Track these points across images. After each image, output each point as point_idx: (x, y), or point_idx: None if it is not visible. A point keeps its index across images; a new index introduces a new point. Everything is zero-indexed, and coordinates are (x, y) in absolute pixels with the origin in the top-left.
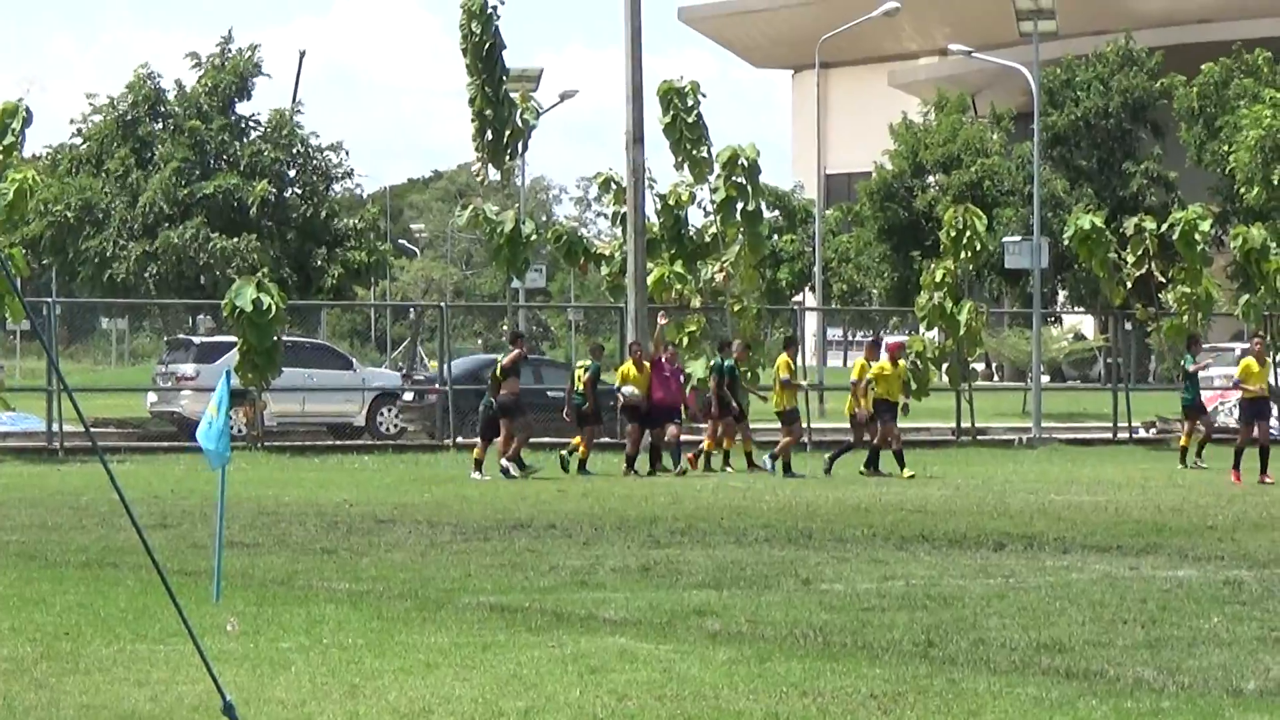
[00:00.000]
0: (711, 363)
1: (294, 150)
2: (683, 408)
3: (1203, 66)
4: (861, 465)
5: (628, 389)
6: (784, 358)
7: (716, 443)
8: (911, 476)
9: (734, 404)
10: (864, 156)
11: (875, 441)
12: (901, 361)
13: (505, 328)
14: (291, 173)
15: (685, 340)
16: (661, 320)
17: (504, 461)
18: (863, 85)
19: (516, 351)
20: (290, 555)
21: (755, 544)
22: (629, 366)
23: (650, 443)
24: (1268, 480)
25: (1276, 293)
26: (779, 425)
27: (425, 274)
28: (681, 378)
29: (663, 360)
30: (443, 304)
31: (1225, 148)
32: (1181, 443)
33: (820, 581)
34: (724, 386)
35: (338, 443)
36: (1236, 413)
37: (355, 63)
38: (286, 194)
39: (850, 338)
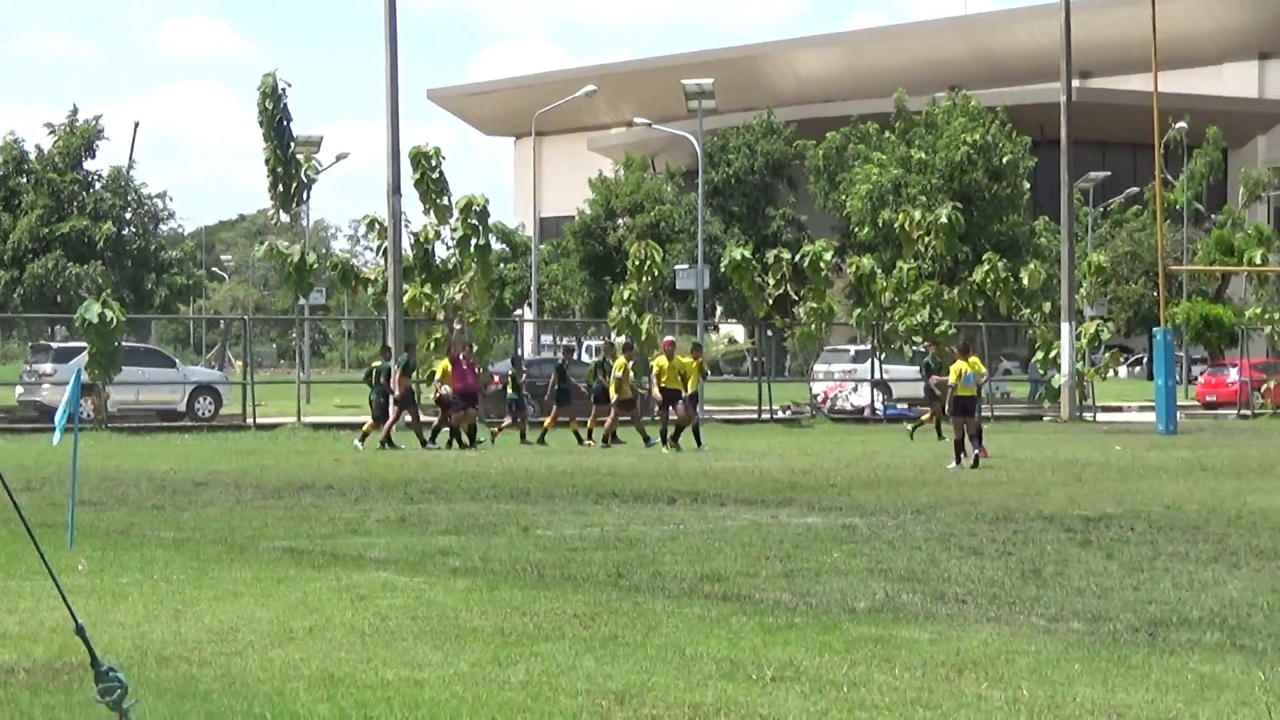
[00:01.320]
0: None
1: (129, 198)
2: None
3: (827, 134)
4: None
5: (445, 388)
6: (621, 359)
7: (598, 423)
8: (677, 450)
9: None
10: (570, 203)
11: (677, 420)
12: (677, 356)
13: (295, 335)
14: (128, 215)
15: (432, 345)
16: (456, 326)
17: (387, 436)
18: (568, 149)
19: (408, 357)
20: (128, 511)
21: (486, 500)
22: (446, 364)
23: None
24: (985, 455)
25: (881, 307)
26: (615, 410)
27: (232, 294)
28: (477, 371)
29: (460, 358)
30: (246, 317)
31: (843, 197)
32: (925, 419)
33: (535, 528)
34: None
35: (164, 424)
36: (857, 397)
37: (177, 130)
38: (124, 232)
39: (557, 341)
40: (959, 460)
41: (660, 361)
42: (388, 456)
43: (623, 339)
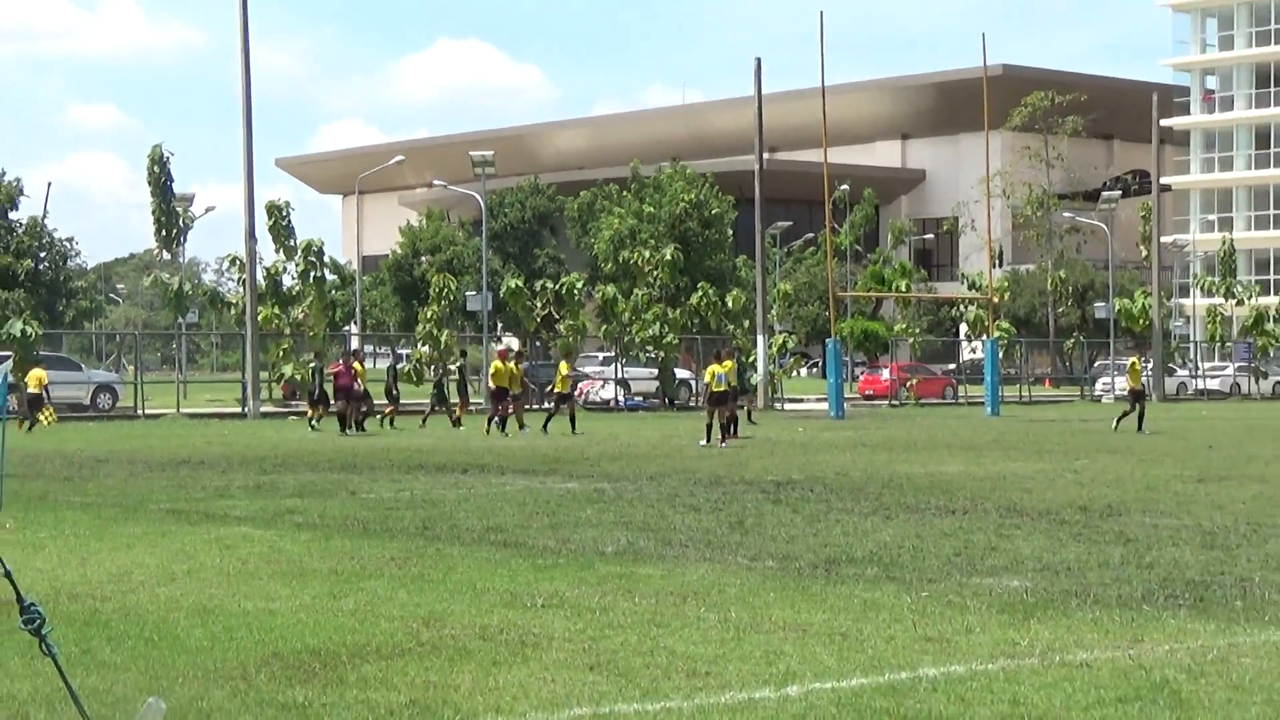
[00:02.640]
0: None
1: (44, 240)
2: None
3: (580, 193)
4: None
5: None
6: (564, 363)
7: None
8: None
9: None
10: (385, 245)
11: (511, 411)
12: (510, 362)
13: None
14: (43, 254)
15: (281, 353)
16: (355, 346)
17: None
18: (384, 204)
19: (342, 362)
20: (44, 482)
21: (323, 471)
22: (497, 364)
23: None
24: (735, 440)
25: (622, 324)
26: (555, 401)
27: (125, 314)
28: (352, 372)
29: (339, 362)
30: (136, 332)
31: (592, 240)
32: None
33: (361, 493)
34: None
35: (72, 415)
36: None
37: (81, 187)
38: (40, 267)
39: (375, 349)
40: (709, 439)
41: (496, 365)
42: (257, 437)
43: (506, 344)
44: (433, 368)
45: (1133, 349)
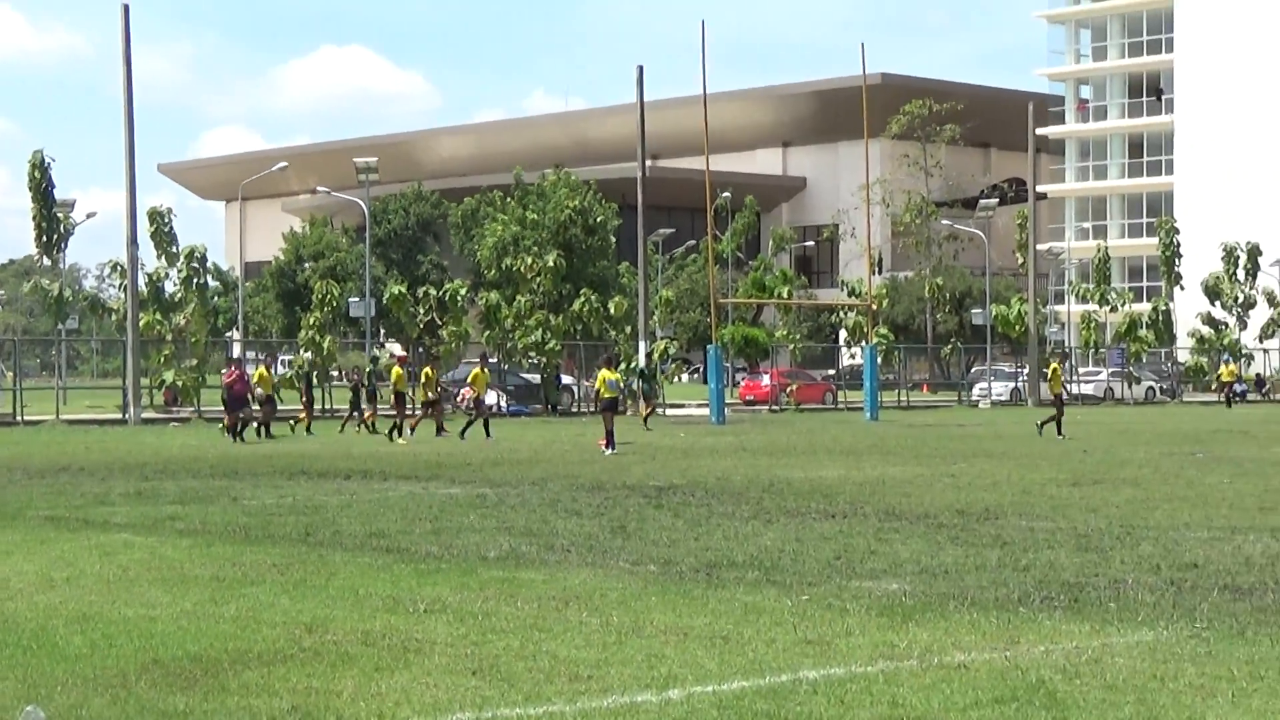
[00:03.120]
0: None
1: None
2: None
3: (463, 200)
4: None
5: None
6: (428, 368)
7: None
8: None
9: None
10: (268, 251)
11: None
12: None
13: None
14: None
15: (162, 360)
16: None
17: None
18: (267, 210)
19: (234, 369)
20: None
21: (205, 478)
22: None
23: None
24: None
25: (505, 330)
26: (423, 408)
27: (4, 320)
28: (245, 380)
29: (232, 368)
30: (15, 338)
31: (476, 247)
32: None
33: (243, 499)
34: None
35: None
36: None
37: None
38: None
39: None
40: (613, 445)
41: (396, 371)
42: (131, 442)
43: (397, 351)
44: (351, 373)
45: (1053, 355)
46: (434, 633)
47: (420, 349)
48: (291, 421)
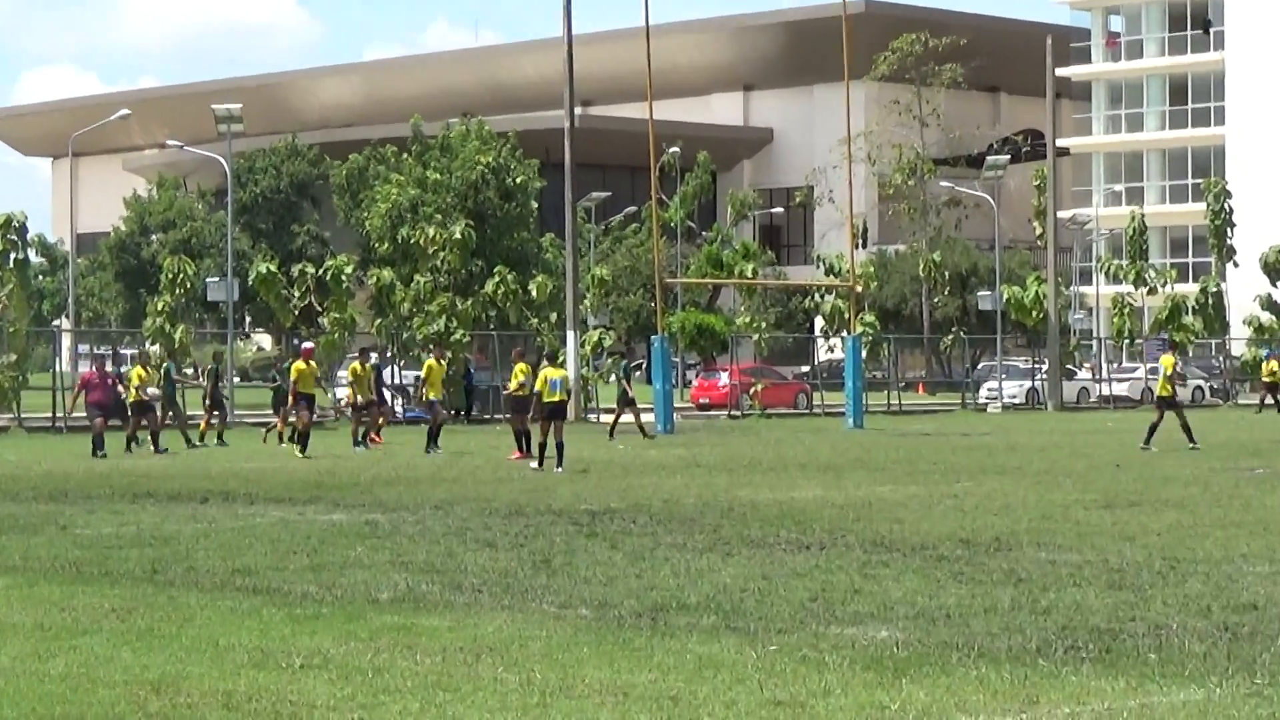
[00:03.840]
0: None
1: None
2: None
3: (349, 156)
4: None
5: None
6: (354, 364)
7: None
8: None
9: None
10: (106, 220)
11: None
12: (311, 362)
13: None
14: None
15: None
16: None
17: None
18: (104, 169)
19: (95, 370)
20: None
21: (25, 501)
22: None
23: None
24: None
25: (400, 317)
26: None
27: None
28: (108, 382)
29: (91, 370)
30: None
31: (364, 214)
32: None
33: (74, 527)
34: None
35: None
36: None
37: None
38: None
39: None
40: (560, 460)
41: (298, 366)
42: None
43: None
44: (203, 371)
45: (1164, 348)
46: (313, 694)
47: (296, 340)
48: (193, 434)
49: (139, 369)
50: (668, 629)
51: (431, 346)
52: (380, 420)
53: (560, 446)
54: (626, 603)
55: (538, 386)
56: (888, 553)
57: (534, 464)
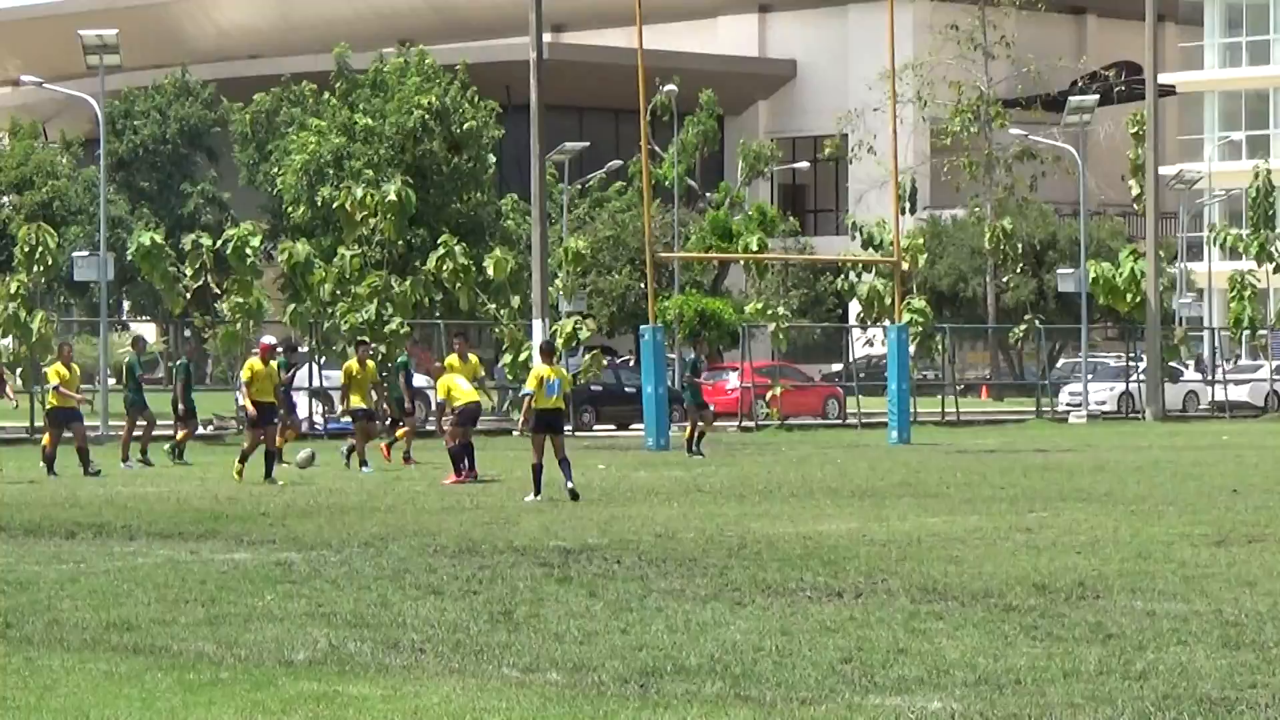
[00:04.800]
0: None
1: None
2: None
3: (255, 96)
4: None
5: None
6: (353, 363)
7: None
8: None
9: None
10: None
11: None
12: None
13: None
14: None
15: None
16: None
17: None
18: None
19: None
20: None
21: None
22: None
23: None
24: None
25: (320, 303)
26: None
27: None
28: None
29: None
30: None
31: (275, 170)
32: (686, 435)
33: None
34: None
35: None
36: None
37: None
38: None
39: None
40: (538, 488)
41: (253, 365)
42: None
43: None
44: (173, 365)
45: None
46: None
47: (186, 332)
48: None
49: (58, 366)
50: (661, 698)
51: (359, 341)
52: (283, 436)
53: (565, 464)
54: (609, 665)
55: (529, 387)
56: (941, 602)
57: (531, 494)
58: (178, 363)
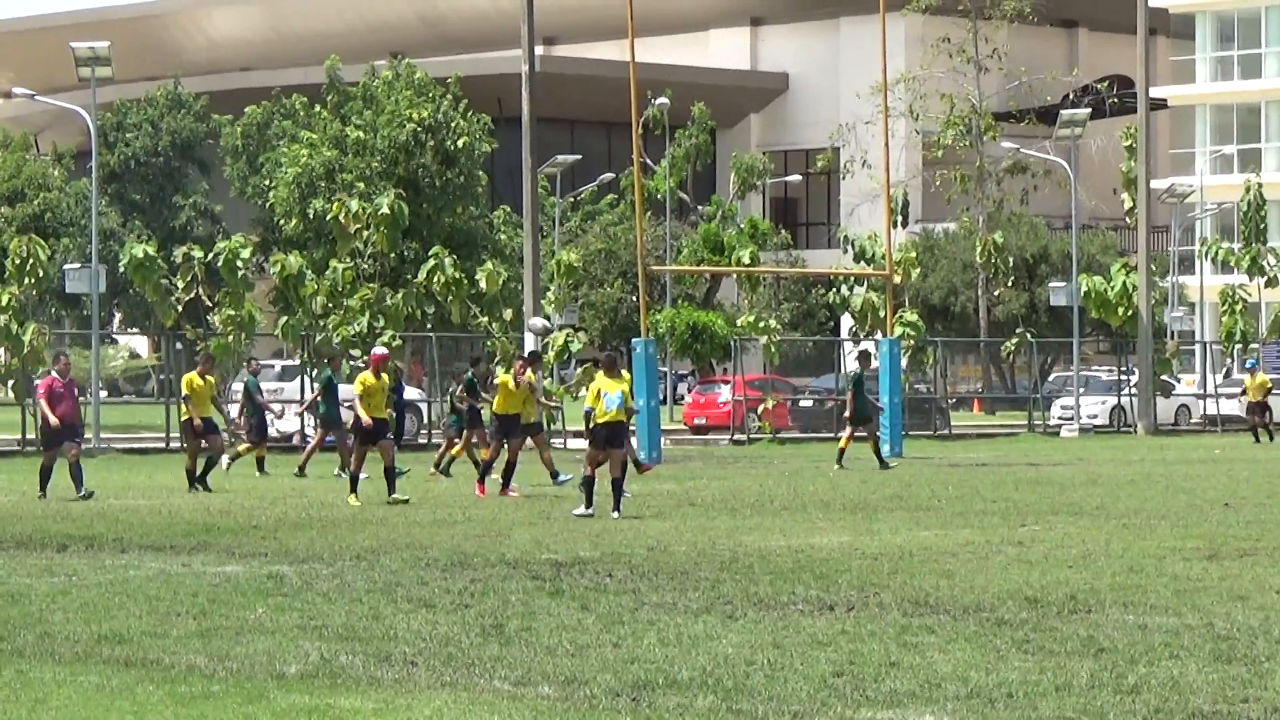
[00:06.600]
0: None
1: None
2: None
3: (246, 109)
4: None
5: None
6: (366, 375)
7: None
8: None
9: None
10: None
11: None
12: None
13: None
14: None
15: None
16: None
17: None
18: None
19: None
20: None
21: None
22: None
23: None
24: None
25: (312, 315)
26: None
27: None
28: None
29: (51, 375)
30: None
31: (266, 183)
32: (840, 445)
33: None
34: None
35: None
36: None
37: None
38: None
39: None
40: (589, 501)
41: (365, 379)
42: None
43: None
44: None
45: None
46: None
47: (179, 345)
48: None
49: (192, 376)
50: (653, 712)
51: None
52: (243, 448)
53: (617, 484)
54: (601, 678)
55: (589, 403)
56: (933, 615)
57: (581, 507)
58: (321, 373)
